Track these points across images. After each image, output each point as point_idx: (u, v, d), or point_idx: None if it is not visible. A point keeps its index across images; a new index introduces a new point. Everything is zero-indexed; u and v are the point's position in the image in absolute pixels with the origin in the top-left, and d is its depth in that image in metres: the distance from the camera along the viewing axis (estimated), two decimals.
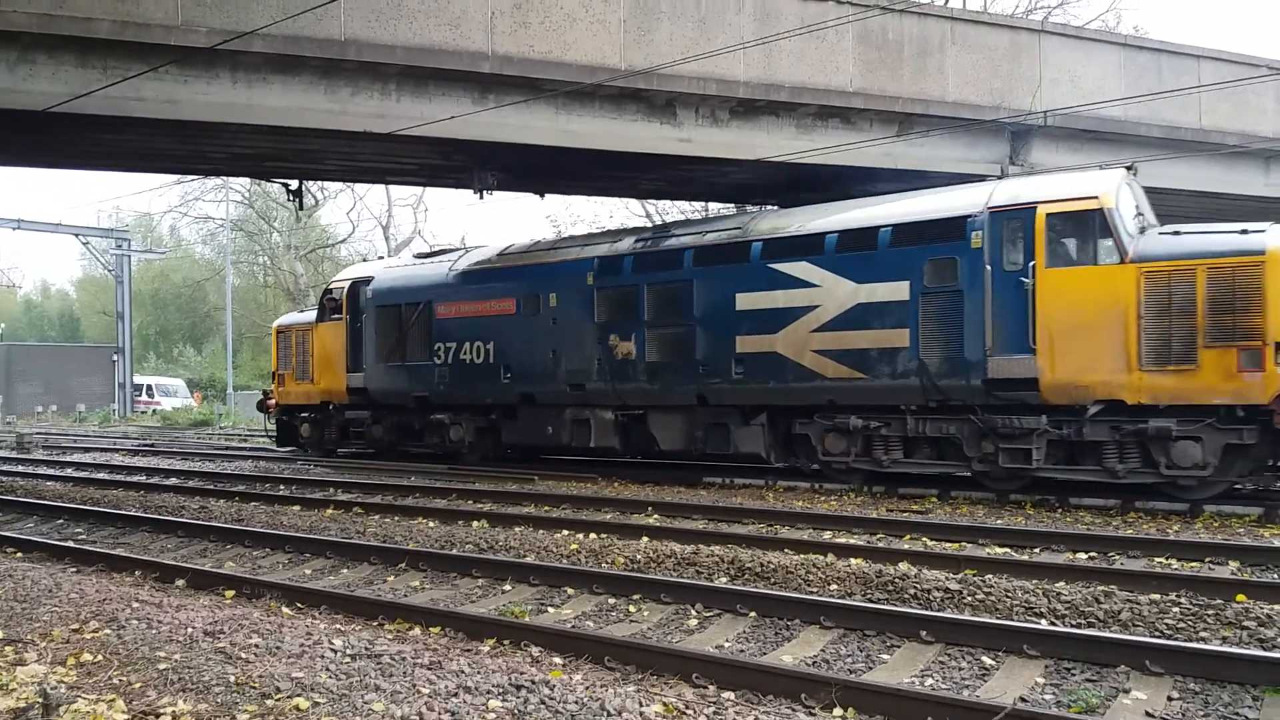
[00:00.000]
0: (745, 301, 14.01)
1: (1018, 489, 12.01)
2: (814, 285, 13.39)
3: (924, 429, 12.51)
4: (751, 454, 14.25)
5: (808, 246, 13.59)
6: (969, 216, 12.17)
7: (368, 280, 19.37)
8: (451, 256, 18.96)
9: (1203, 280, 10.64)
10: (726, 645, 6.57)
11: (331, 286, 20.57)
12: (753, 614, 7.06)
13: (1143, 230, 11.49)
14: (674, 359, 14.73)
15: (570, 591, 7.98)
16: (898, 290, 12.62)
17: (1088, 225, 11.33)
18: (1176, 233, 11.46)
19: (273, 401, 21.44)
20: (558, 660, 6.12)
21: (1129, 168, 12.52)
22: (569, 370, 15.87)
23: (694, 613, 7.26)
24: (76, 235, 37.95)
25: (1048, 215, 11.50)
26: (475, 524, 10.89)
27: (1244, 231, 10.92)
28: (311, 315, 20.63)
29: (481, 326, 17.11)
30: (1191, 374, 10.69)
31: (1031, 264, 11.51)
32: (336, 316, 19.60)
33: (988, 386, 11.83)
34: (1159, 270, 10.89)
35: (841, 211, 14.00)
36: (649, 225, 16.21)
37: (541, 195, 21.05)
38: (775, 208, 16.27)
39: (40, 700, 4.36)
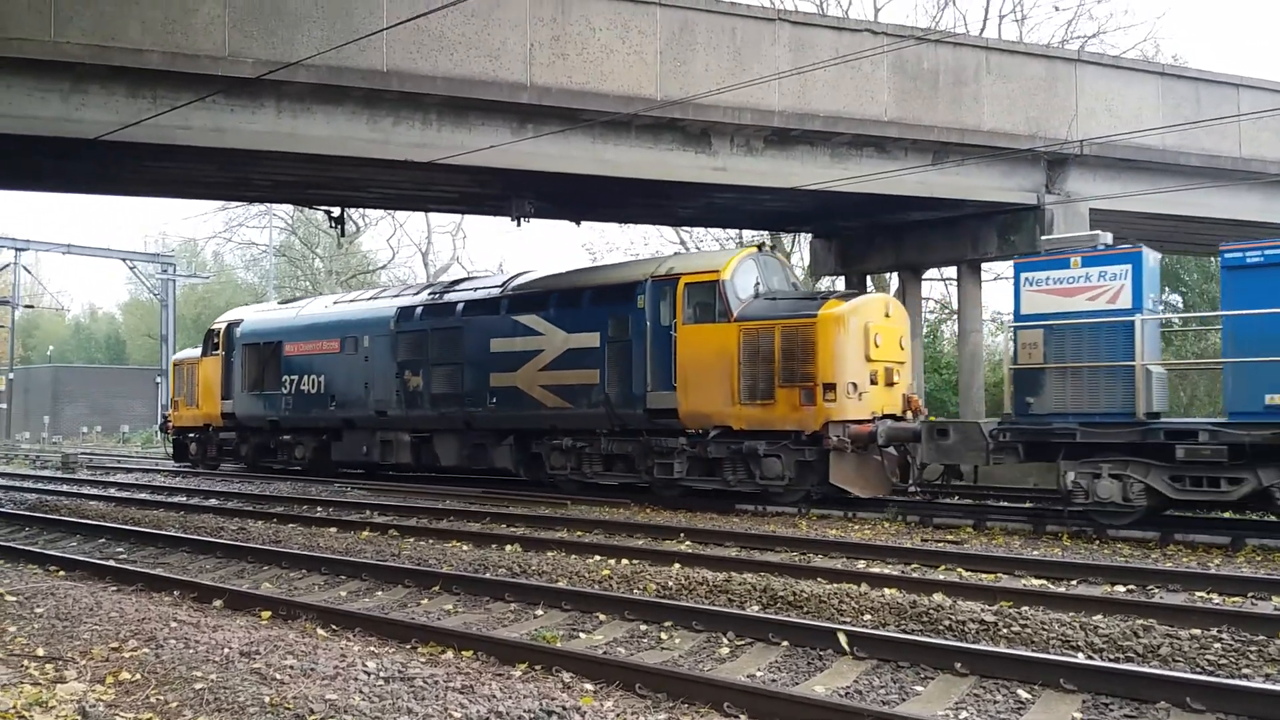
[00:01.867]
0: (497, 345, 17.31)
1: (674, 495, 15.11)
2: (541, 334, 16.74)
3: (613, 448, 15.82)
4: (504, 468, 17.65)
5: (538, 303, 16.98)
6: (637, 283, 15.60)
7: (239, 322, 23.23)
8: (300, 303, 23.35)
9: (779, 337, 14.04)
10: (758, 674, 6.54)
11: (213, 327, 24.31)
12: (785, 643, 7.02)
13: (756, 296, 14.73)
14: (449, 391, 17.99)
15: (602, 617, 7.98)
16: (592, 339, 15.97)
17: (711, 293, 14.66)
18: (773, 298, 14.77)
19: (170, 424, 25.45)
20: (589, 686, 6.12)
21: (759, 247, 16.04)
22: (376, 400, 19.27)
23: (726, 641, 7.23)
24: (123, 260, 38.69)
25: (686, 284, 14.92)
26: (508, 548, 10.93)
27: (810, 299, 14.73)
28: (199, 351, 24.42)
29: (316, 363, 20.77)
30: (771, 407, 14.07)
31: (675, 321, 14.90)
32: (216, 352, 23.28)
33: (648, 415, 15.18)
34: (751, 328, 14.28)
35: (562, 274, 17.93)
36: (443, 281, 20.94)
37: (578, 223, 21.27)
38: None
39: (79, 718, 4.44)
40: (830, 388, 13.67)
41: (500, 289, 17.97)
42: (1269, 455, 10.48)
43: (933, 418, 15.75)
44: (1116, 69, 18.37)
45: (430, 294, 19.29)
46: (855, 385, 13.81)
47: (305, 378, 20.89)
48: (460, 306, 18.23)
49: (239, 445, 22.94)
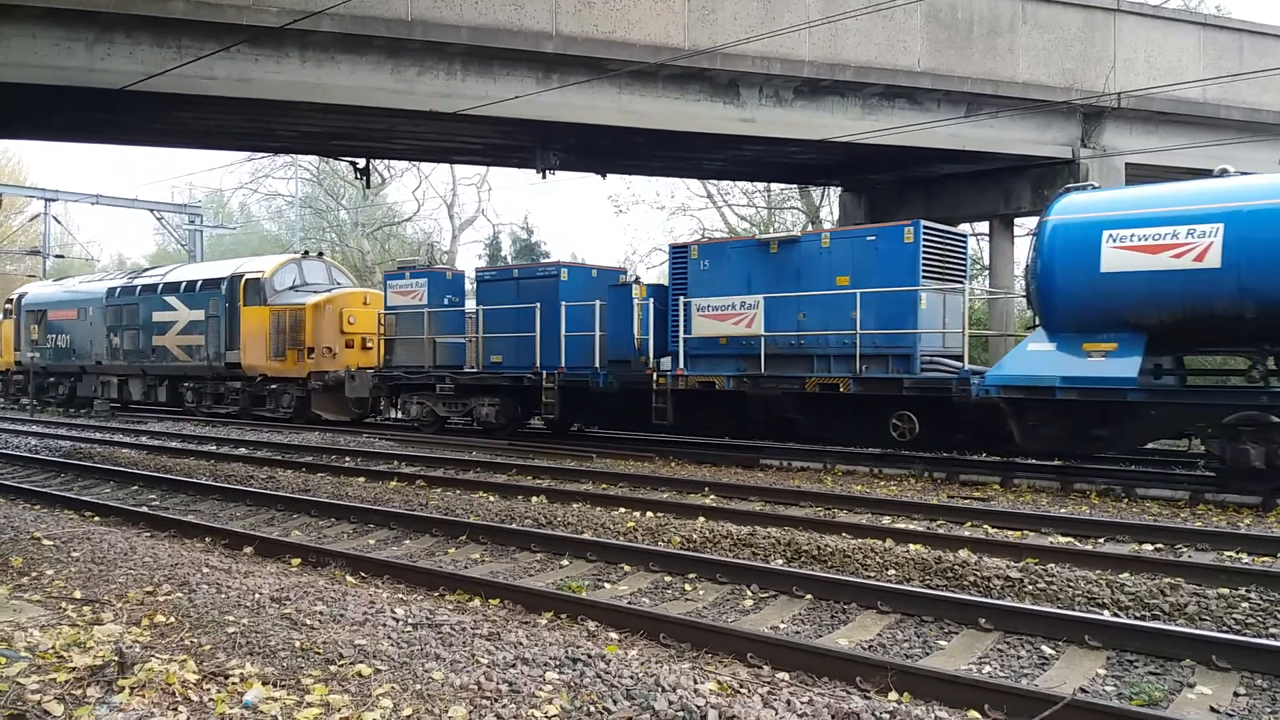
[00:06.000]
0: (156, 317, 25.57)
1: (243, 417, 23.09)
2: (177, 310, 24.93)
3: (215, 389, 24.23)
4: (164, 402, 25.86)
5: (176, 288, 25.18)
6: (222, 278, 23.91)
7: (25, 294, 31.76)
8: (64, 282, 32.31)
9: (288, 316, 22.29)
10: (782, 626, 6.57)
11: (10, 297, 32.89)
12: (809, 596, 7.04)
13: (291, 289, 22.84)
14: (133, 348, 26.33)
15: (627, 568, 8.03)
16: (201, 314, 24.20)
17: (259, 286, 22.82)
18: (296, 290, 22.79)
19: None
20: (614, 635, 6.18)
21: (304, 254, 24.60)
22: (96, 353, 27.66)
23: (750, 593, 7.26)
24: (151, 210, 38.77)
25: (245, 280, 23.14)
26: (534, 499, 11.01)
27: (312, 291, 22.66)
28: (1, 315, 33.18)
29: (66, 326, 29.13)
30: (285, 362, 22.23)
31: (239, 304, 23.04)
32: (11, 316, 31.88)
33: (227, 367, 23.41)
34: (277, 310, 22.51)
35: (190, 268, 26.99)
36: (139, 269, 30.42)
37: (603, 175, 21.13)
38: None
39: (116, 659, 4.52)
40: (312, 350, 21.94)
41: (161, 278, 26.36)
42: (476, 391, 18.19)
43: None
44: (1156, 19, 17.92)
45: (127, 279, 28.03)
46: (330, 349, 22.01)
47: (60, 336, 29.31)
48: (138, 289, 26.50)
49: (26, 385, 30.86)
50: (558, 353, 16.71)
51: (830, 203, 33.01)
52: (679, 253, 15.75)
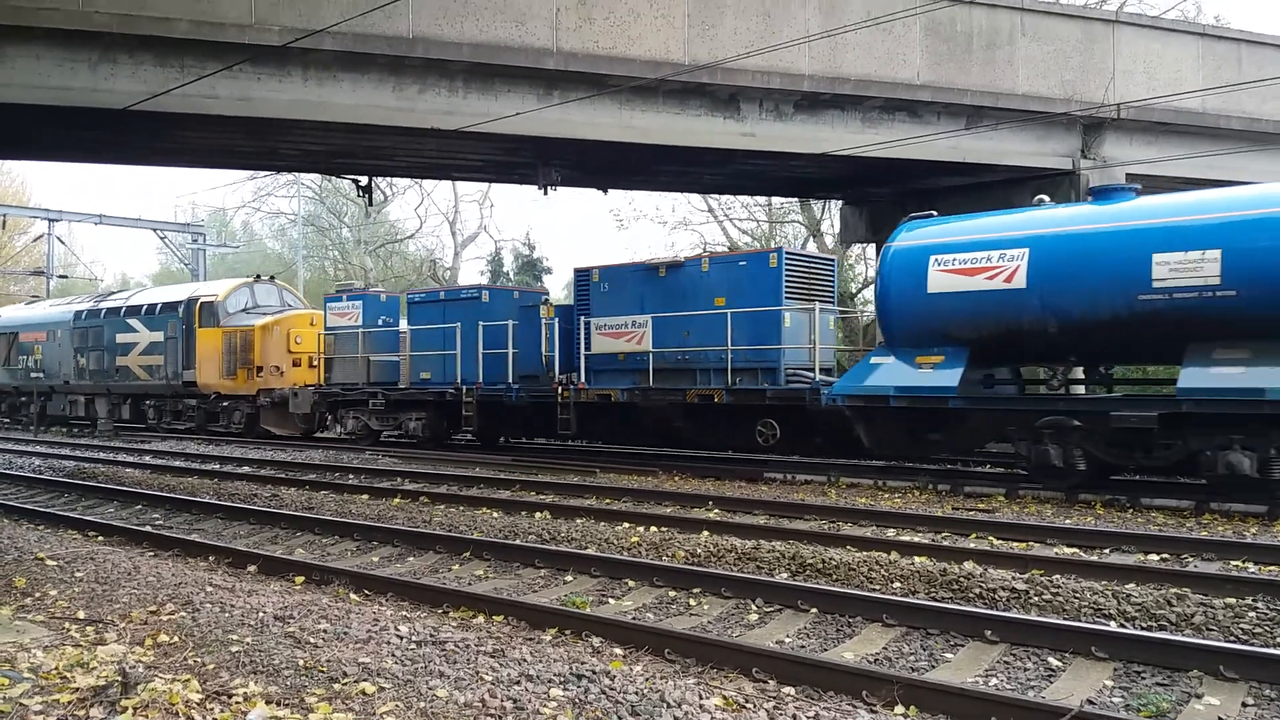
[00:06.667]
0: (120, 339, 26.91)
1: (199, 432, 24.73)
2: (139, 331, 26.45)
3: (176, 407, 25.74)
4: (129, 419, 27.06)
5: (138, 311, 26.79)
6: (179, 302, 25.39)
7: None
8: (34, 305, 33.74)
9: (239, 337, 23.78)
10: (787, 641, 6.55)
11: None
12: (814, 610, 7.02)
13: (244, 311, 24.44)
14: (98, 368, 27.64)
15: (631, 583, 8.01)
16: (160, 336, 25.64)
17: (213, 309, 24.35)
18: (247, 312, 24.43)
19: None
20: (618, 651, 6.15)
21: (256, 277, 26.10)
22: (64, 373, 28.97)
23: (754, 608, 7.24)
24: (154, 230, 38.87)
25: (201, 303, 24.60)
26: (538, 515, 10.99)
27: (262, 313, 24.22)
28: None
29: (36, 347, 30.35)
30: (236, 380, 23.70)
31: (195, 326, 24.36)
32: None
33: (184, 385, 24.86)
34: (229, 331, 24.00)
35: (151, 292, 28.67)
36: (104, 293, 31.46)
37: (605, 191, 21.20)
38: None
39: (119, 679, 4.51)
40: (261, 369, 23.42)
41: (124, 301, 27.86)
42: (406, 406, 19.55)
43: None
44: (1155, 30, 17.97)
45: (93, 302, 29.35)
46: (278, 368, 23.44)
47: (30, 357, 30.59)
48: (103, 312, 27.84)
49: (0, 403, 32.53)
50: (477, 369, 18.06)
51: (831, 216, 33.06)
52: (582, 276, 17.16)
